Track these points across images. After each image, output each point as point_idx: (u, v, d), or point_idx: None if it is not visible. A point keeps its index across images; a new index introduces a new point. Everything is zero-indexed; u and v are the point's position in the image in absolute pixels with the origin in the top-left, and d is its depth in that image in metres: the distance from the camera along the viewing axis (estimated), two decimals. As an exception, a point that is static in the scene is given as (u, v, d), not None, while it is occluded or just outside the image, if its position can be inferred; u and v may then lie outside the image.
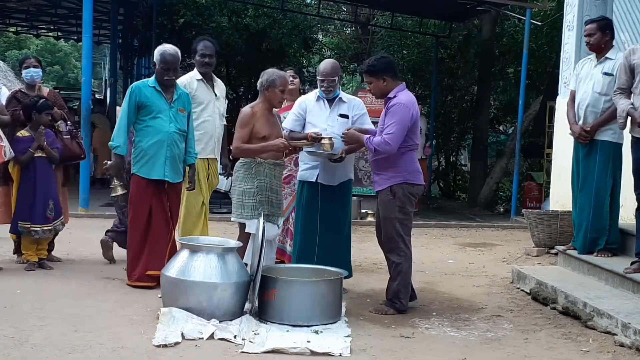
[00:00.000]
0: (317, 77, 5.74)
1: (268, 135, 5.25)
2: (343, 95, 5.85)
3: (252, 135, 5.23)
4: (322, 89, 5.68)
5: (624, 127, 5.49)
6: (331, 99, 5.73)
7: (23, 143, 6.09)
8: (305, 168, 5.66)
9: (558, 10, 12.23)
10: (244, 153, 5.26)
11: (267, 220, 5.15)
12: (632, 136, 5.43)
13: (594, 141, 6.00)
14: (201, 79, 6.23)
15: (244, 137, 5.22)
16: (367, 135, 5.24)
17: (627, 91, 5.43)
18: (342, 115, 5.72)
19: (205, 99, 6.22)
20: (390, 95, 5.20)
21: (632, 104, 5.33)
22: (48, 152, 6.18)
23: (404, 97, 5.19)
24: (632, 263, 5.38)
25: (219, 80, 6.51)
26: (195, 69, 6.30)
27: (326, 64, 5.79)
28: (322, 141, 5.45)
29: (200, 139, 6.15)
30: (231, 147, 5.47)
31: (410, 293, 5.32)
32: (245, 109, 5.36)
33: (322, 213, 5.62)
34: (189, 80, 6.23)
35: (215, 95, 6.29)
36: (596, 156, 5.98)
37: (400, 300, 5.21)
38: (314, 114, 5.69)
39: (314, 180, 5.64)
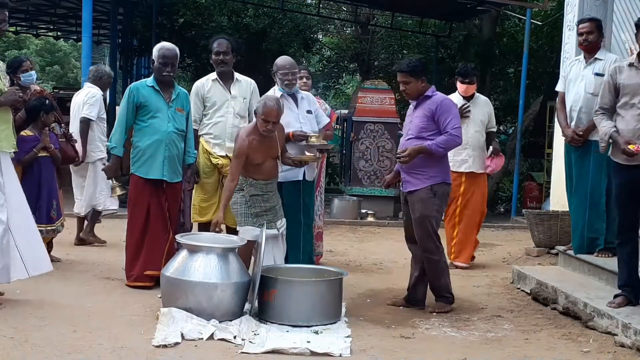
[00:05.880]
0: (279, 72, 5.82)
1: (262, 162, 5.26)
2: (301, 92, 6.05)
3: (248, 161, 5.22)
4: (286, 82, 5.78)
5: (605, 151, 5.09)
6: (293, 96, 5.84)
7: (28, 143, 6.07)
8: (288, 168, 5.66)
9: (558, 10, 12.23)
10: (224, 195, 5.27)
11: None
12: (614, 162, 5.02)
13: (588, 141, 5.93)
14: (216, 79, 6.15)
15: (237, 169, 5.20)
16: (427, 142, 5.20)
17: (609, 111, 5.06)
18: (308, 112, 5.91)
19: (219, 99, 6.10)
20: (428, 93, 5.31)
21: (615, 127, 4.95)
22: (52, 152, 6.18)
23: (441, 94, 5.39)
24: (616, 296, 4.96)
25: (245, 79, 6.30)
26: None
27: (285, 59, 5.95)
28: (311, 139, 5.69)
29: (212, 140, 6.11)
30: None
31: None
32: (242, 139, 5.24)
33: (304, 207, 5.78)
34: (204, 81, 6.20)
35: (231, 94, 6.14)
36: (590, 156, 5.92)
37: (451, 293, 5.37)
38: (285, 115, 5.62)
39: (300, 178, 5.75)
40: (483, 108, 7.28)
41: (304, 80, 6.67)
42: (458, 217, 7.08)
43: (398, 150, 5.40)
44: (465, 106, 6.99)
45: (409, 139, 5.29)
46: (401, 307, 5.36)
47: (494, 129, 7.50)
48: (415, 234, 5.29)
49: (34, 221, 5.30)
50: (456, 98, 6.93)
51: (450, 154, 5.95)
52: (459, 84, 7.21)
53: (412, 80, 5.28)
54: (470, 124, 7.02)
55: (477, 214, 7.15)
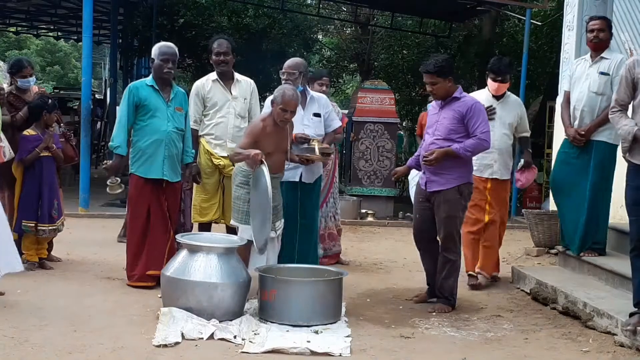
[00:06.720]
0: (280, 72, 5.91)
1: (271, 151, 5.24)
2: (313, 93, 6.00)
3: (258, 148, 5.19)
4: (282, 82, 5.79)
5: (627, 150, 4.56)
6: (302, 97, 5.78)
7: (31, 142, 6.08)
8: (287, 168, 5.65)
9: (558, 10, 12.23)
10: (233, 156, 5.27)
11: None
12: (633, 164, 4.56)
13: (589, 141, 5.89)
14: (216, 79, 6.15)
15: (246, 146, 5.18)
16: (455, 146, 5.17)
17: (626, 108, 4.67)
18: (315, 115, 5.85)
19: (220, 100, 6.12)
20: (456, 94, 5.25)
21: (637, 124, 4.51)
22: (55, 151, 6.19)
23: (470, 96, 5.36)
24: (631, 315, 4.53)
25: (245, 79, 6.33)
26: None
27: (290, 60, 5.99)
28: (312, 142, 5.64)
29: (214, 140, 6.12)
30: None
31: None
32: (257, 122, 5.34)
33: (302, 210, 5.73)
34: (205, 81, 6.20)
35: (232, 95, 6.15)
36: (591, 156, 5.88)
37: (454, 296, 5.37)
38: None
39: (296, 179, 5.71)
40: (513, 109, 6.29)
41: (324, 88, 6.77)
42: (486, 225, 6.18)
43: (424, 152, 5.32)
44: (491, 109, 6.06)
45: (436, 139, 5.26)
46: (422, 303, 5.41)
47: (527, 134, 6.45)
48: (439, 232, 5.31)
49: (7, 222, 5.37)
50: (484, 96, 6.18)
51: (474, 157, 5.52)
52: (490, 82, 6.22)
53: (439, 81, 5.18)
54: (497, 125, 6.07)
55: (502, 225, 6.36)
